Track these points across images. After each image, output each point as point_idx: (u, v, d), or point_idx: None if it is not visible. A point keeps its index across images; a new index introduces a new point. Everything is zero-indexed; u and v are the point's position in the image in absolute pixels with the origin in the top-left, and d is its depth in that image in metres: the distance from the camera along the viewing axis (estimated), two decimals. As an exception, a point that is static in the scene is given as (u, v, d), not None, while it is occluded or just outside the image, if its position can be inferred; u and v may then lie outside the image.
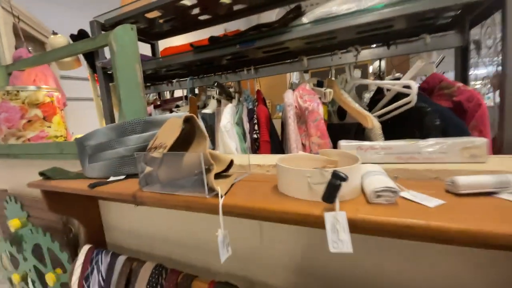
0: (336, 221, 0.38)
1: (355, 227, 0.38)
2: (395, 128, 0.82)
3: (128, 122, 0.70)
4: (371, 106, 0.97)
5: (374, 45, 0.97)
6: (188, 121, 0.57)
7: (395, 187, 0.41)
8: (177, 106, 1.32)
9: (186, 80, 1.36)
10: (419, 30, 1.00)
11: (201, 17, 1.35)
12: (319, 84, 1.20)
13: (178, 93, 1.71)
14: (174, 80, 1.42)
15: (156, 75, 1.58)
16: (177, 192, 0.53)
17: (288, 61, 1.10)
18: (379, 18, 0.80)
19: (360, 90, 1.30)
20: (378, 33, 1.01)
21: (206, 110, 1.13)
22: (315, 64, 1.03)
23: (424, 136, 0.71)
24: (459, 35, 0.87)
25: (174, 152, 0.53)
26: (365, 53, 0.96)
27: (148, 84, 1.51)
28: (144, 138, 0.69)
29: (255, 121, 0.95)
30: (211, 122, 1.02)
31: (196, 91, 1.37)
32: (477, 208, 0.38)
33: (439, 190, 0.46)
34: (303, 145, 0.85)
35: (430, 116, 0.69)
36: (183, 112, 1.10)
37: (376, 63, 1.39)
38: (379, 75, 1.22)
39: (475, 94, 0.72)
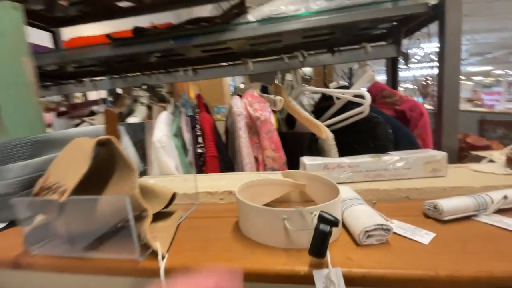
0: (330, 282, 0.29)
1: (353, 284, 0.30)
2: (346, 138, 0.79)
3: (8, 143, 0.47)
4: (317, 114, 0.93)
5: (320, 51, 0.95)
6: (104, 144, 0.39)
7: (386, 224, 0.34)
8: (92, 114, 1.05)
9: (103, 79, 1.10)
10: (359, 39, 1.03)
11: (121, 4, 1.11)
12: (264, 90, 1.12)
13: (93, 95, 1.40)
14: (86, 79, 1.14)
15: (61, 72, 1.25)
16: (90, 255, 0.36)
17: (231, 63, 0.98)
18: (327, 23, 0.76)
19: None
20: (322, 39, 0.99)
21: (133, 119, 0.92)
22: (260, 68, 0.95)
23: (378, 146, 0.71)
24: (395, 46, 0.91)
25: (80, 197, 0.35)
26: (311, 60, 0.92)
27: (48, 83, 1.17)
28: (33, 167, 0.48)
29: (198, 132, 0.81)
30: (140, 135, 0.82)
31: (120, 92, 1.12)
32: (471, 241, 0.34)
33: (418, 214, 0.43)
34: (256, 159, 0.76)
35: (383, 126, 0.68)
36: (99, 122, 0.87)
37: (306, 69, 1.39)
38: (308, 81, 1.21)
39: (417, 104, 0.75)
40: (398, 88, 1.11)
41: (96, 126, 0.61)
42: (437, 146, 0.74)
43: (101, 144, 0.38)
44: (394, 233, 0.36)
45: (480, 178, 0.51)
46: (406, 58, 0.96)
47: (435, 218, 0.40)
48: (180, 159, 0.79)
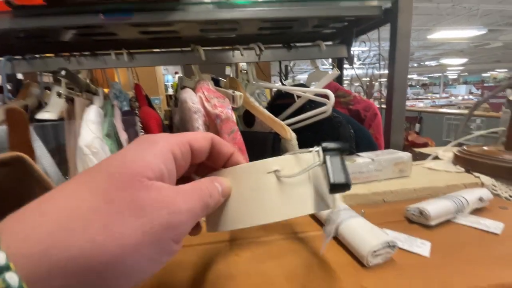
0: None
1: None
2: (306, 137, 0.77)
3: None
4: (273, 111, 0.89)
5: (276, 46, 0.90)
6: (9, 164, 0.25)
7: (393, 241, 0.31)
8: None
9: (-4, 59, 0.82)
10: (311, 37, 1.02)
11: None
12: (216, 83, 1.02)
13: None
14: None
15: None
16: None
17: (178, 49, 0.85)
18: (285, 15, 0.71)
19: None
20: (278, 32, 0.95)
21: (45, 114, 0.69)
22: (212, 58, 0.84)
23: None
24: (345, 46, 0.93)
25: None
26: (267, 53, 0.87)
27: None
28: None
29: (141, 131, 0.66)
30: (58, 136, 0.62)
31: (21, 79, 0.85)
32: (464, 248, 0.34)
33: (401, 219, 0.42)
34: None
35: (345, 126, 0.68)
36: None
37: (244, 65, 1.34)
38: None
39: (371, 104, 0.78)
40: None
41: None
42: (387, 144, 0.79)
43: (3, 164, 0.24)
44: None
45: (438, 176, 0.54)
46: (351, 59, 1.00)
47: (419, 223, 0.40)
48: (119, 165, 0.64)
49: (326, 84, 0.75)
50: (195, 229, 0.24)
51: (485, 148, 0.58)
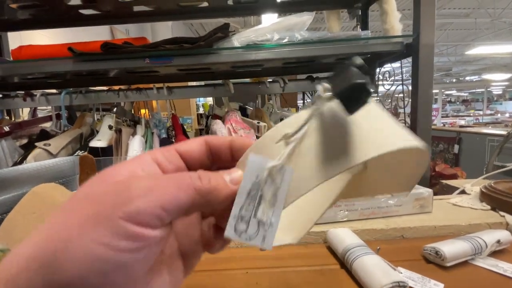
0: (268, 179, 0.17)
1: None
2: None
3: None
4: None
5: (299, 78, 0.95)
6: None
7: (403, 281, 0.33)
8: (43, 134, 0.90)
9: (57, 94, 0.97)
10: (336, 67, 1.06)
11: (84, 11, 1.01)
12: (242, 112, 1.09)
13: (40, 109, 1.23)
14: (36, 93, 0.99)
15: (3, 82, 1.07)
16: None
17: (210, 83, 0.94)
18: (309, 55, 0.77)
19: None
20: (301, 65, 1.01)
21: (97, 143, 0.81)
22: (240, 90, 0.92)
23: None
24: (368, 77, 0.96)
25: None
26: (291, 85, 0.93)
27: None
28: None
29: (175, 160, 0.74)
30: (107, 163, 0.73)
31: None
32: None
33: (418, 258, 0.43)
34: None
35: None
36: (56, 148, 0.75)
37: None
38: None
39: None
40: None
41: (55, 161, 0.52)
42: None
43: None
44: (406, 286, 0.36)
45: (462, 213, 0.54)
46: (375, 85, 1.02)
47: (436, 263, 0.41)
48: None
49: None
50: (217, 239, 0.19)
51: (514, 184, 0.56)
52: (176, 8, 0.99)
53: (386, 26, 0.93)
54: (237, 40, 0.75)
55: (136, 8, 1.03)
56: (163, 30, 3.28)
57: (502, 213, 0.52)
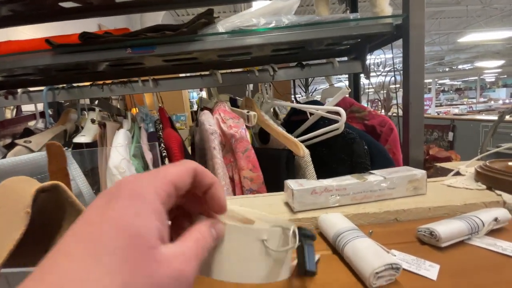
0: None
1: None
2: (320, 153, 0.78)
3: None
4: (287, 128, 0.91)
5: (289, 66, 0.93)
6: (48, 191, 0.30)
7: (396, 263, 0.32)
8: (27, 133, 0.86)
9: (40, 90, 0.93)
10: (325, 54, 1.04)
11: (63, 4, 0.97)
12: (233, 102, 1.07)
13: (28, 108, 1.19)
14: (18, 91, 0.96)
15: (-16, 80, 1.04)
16: None
17: (198, 74, 0.91)
18: (297, 39, 0.74)
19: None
20: (291, 53, 0.98)
21: (81, 138, 0.78)
22: (229, 80, 0.89)
23: (355, 163, 0.70)
24: (360, 62, 0.94)
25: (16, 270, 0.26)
26: (281, 73, 0.90)
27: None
28: None
29: (164, 152, 0.71)
30: (92, 158, 0.70)
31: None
32: (475, 271, 0.33)
33: (412, 240, 0.41)
34: (231, 179, 0.69)
35: (359, 142, 0.68)
36: (37, 144, 0.72)
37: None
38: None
39: (386, 119, 0.78)
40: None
41: (33, 155, 0.49)
42: (406, 159, 0.77)
43: (43, 191, 0.29)
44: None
45: (457, 194, 0.52)
46: (368, 72, 1.00)
47: (431, 244, 0.39)
48: (143, 184, 0.69)
49: (338, 101, 0.76)
50: None
51: (510, 163, 0.55)
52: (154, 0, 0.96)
53: (375, 10, 0.91)
54: (222, 26, 0.73)
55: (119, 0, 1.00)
56: (153, 22, 3.22)
57: (498, 191, 0.50)
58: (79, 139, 0.77)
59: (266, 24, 0.74)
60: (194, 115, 3.83)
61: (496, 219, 0.39)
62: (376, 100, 1.04)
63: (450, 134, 3.58)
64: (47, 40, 0.72)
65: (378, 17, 0.75)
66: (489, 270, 0.34)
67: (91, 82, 0.97)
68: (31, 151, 0.70)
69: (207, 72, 0.91)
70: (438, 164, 0.73)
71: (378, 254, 0.33)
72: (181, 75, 1.00)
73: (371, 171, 0.56)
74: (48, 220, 0.33)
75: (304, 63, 0.93)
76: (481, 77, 13.01)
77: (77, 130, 0.88)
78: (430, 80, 10.96)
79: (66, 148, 0.77)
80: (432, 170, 0.76)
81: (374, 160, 0.69)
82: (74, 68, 0.93)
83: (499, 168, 0.52)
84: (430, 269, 0.34)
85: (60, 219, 0.32)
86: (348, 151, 0.70)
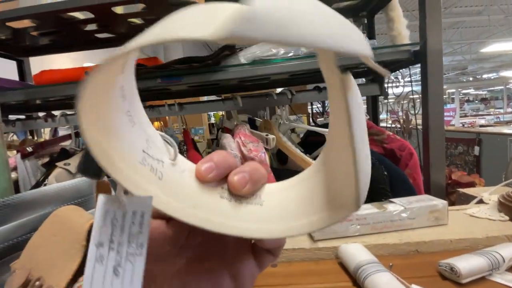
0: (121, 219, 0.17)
1: None
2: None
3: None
4: (305, 148, 0.93)
5: (306, 89, 0.96)
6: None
7: (416, 300, 0.33)
8: (64, 155, 0.94)
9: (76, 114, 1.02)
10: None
11: (99, 35, 1.06)
12: (251, 123, 1.11)
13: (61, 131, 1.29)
14: (56, 113, 1.05)
15: (26, 105, 1.14)
16: None
17: (219, 97, 0.96)
18: (315, 67, 0.78)
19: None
20: (308, 75, 1.01)
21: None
22: (249, 103, 0.93)
23: (374, 188, 0.71)
24: (377, 85, 0.95)
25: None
26: (299, 96, 0.93)
27: (10, 118, 1.06)
28: (1, 236, 0.41)
29: (187, 176, 0.76)
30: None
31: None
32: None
33: (434, 274, 0.42)
34: (250, 204, 0.72)
35: (378, 168, 0.69)
36: (76, 166, 0.78)
37: None
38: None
39: (406, 143, 0.78)
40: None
41: (75, 182, 0.55)
42: (427, 184, 0.77)
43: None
44: (419, 305, 0.35)
45: (479, 225, 0.52)
46: (386, 95, 1.01)
47: (452, 280, 0.40)
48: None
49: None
50: None
51: (535, 193, 0.54)
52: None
53: (393, 33, 0.93)
54: (243, 57, 0.77)
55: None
56: (174, 45, 3.40)
57: (522, 224, 0.50)
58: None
59: (285, 53, 0.78)
60: (212, 128, 3.93)
61: (518, 257, 0.39)
62: (396, 111, 1.04)
63: (476, 149, 3.43)
64: (87, 72, 0.80)
65: (395, 45, 0.77)
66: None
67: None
68: (70, 173, 0.77)
69: (228, 95, 0.96)
70: (461, 190, 0.72)
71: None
72: (203, 98, 1.05)
73: (391, 199, 0.57)
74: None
75: (321, 86, 0.95)
76: (507, 86, 12.43)
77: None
78: (453, 90, 10.58)
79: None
80: (455, 196, 0.75)
81: (394, 185, 0.69)
82: (107, 94, 1.01)
83: (523, 200, 0.52)
84: (451, 307, 0.35)
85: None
86: (366, 176, 0.71)
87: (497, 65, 8.41)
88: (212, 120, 4.36)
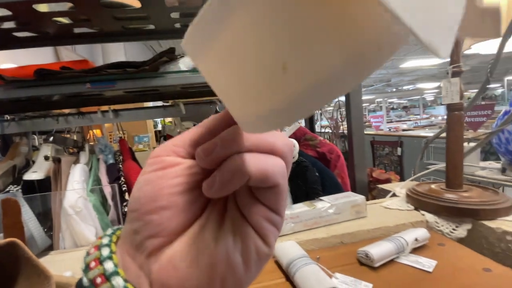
0: None
1: None
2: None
3: None
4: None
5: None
6: (4, 248, 0.30)
7: (334, 285, 0.37)
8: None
9: (-14, 121, 0.88)
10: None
11: (18, 34, 0.94)
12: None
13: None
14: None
15: None
16: None
17: (160, 105, 0.93)
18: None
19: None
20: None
21: (32, 175, 0.74)
22: (192, 110, 0.93)
23: (309, 189, 0.77)
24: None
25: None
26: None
27: None
28: None
29: (124, 186, 0.71)
30: (45, 200, 0.67)
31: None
32: (401, 286, 0.40)
33: (354, 262, 0.48)
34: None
35: (311, 170, 0.75)
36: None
37: None
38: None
39: (334, 147, 0.87)
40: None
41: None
42: (352, 182, 0.87)
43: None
44: (339, 290, 0.39)
45: (391, 215, 0.61)
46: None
47: (367, 265, 0.46)
48: (100, 220, 0.68)
49: (292, 132, 0.84)
50: None
51: (432, 186, 0.65)
52: (121, 30, 0.97)
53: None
54: (183, 64, 0.77)
55: (77, 30, 0.99)
56: (115, 46, 3.11)
57: (422, 212, 0.60)
58: (29, 175, 0.73)
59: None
60: (158, 135, 3.73)
61: (416, 239, 0.47)
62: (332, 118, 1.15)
63: (399, 150, 3.96)
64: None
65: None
66: (410, 285, 0.40)
67: (44, 112, 0.93)
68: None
69: (170, 103, 0.94)
70: (380, 186, 0.83)
71: (320, 279, 0.38)
72: (144, 104, 1.01)
73: (321, 198, 0.63)
74: (2, 273, 0.32)
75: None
76: (422, 96, 14.68)
77: (28, 165, 0.84)
78: (381, 99, 12.07)
79: (15, 185, 0.73)
80: (376, 191, 0.86)
81: (325, 185, 0.76)
82: (26, 100, 0.89)
83: (422, 191, 0.62)
84: (364, 288, 0.40)
85: (15, 274, 0.32)
86: (303, 178, 0.76)
87: (414, 78, 9.88)
88: (159, 126, 4.14)
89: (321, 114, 1.06)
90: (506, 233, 0.47)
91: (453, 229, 0.53)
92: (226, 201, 0.17)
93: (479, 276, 0.40)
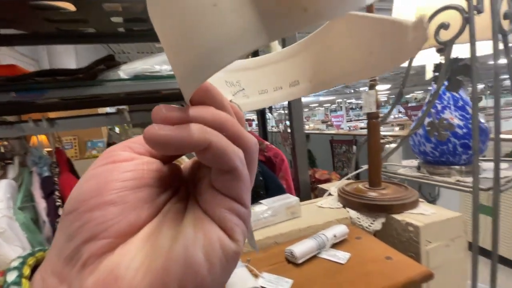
0: None
1: None
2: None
3: None
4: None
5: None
6: None
7: (255, 286, 0.40)
8: None
9: None
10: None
11: None
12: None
13: None
14: None
15: None
16: None
17: (103, 113, 0.90)
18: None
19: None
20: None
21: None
22: (139, 117, 0.91)
23: (253, 192, 0.81)
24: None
25: None
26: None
27: None
28: None
29: (58, 201, 0.68)
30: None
31: None
32: (318, 280, 0.45)
33: (282, 260, 0.52)
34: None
35: (256, 174, 0.79)
36: None
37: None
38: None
39: (278, 151, 0.92)
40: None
41: None
42: (297, 183, 0.92)
43: None
44: (262, 287, 0.43)
45: (323, 213, 0.67)
46: (271, 108, 1.16)
47: (293, 262, 0.50)
48: (31, 238, 0.64)
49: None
50: None
51: (359, 185, 0.73)
52: (57, 32, 0.92)
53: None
54: (123, 72, 0.75)
55: (5, 31, 0.92)
56: (63, 47, 2.86)
57: (347, 209, 0.66)
58: None
59: (171, 71, 0.80)
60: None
61: (334, 235, 0.53)
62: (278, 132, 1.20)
63: (354, 148, 4.24)
64: None
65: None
66: (327, 277, 0.45)
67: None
68: None
69: (113, 111, 0.91)
70: (320, 186, 0.90)
71: (244, 280, 0.41)
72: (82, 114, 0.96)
73: (260, 201, 0.67)
74: None
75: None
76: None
77: None
78: (341, 100, 12.78)
79: None
80: (317, 190, 0.92)
81: (269, 187, 0.81)
82: None
83: (349, 190, 0.69)
84: (285, 285, 0.44)
85: None
86: (247, 183, 0.80)
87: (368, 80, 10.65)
88: (117, 129, 3.91)
89: (271, 112, 1.10)
90: (409, 224, 0.54)
91: (371, 223, 0.60)
92: (187, 201, 0.16)
93: (381, 264, 0.46)
